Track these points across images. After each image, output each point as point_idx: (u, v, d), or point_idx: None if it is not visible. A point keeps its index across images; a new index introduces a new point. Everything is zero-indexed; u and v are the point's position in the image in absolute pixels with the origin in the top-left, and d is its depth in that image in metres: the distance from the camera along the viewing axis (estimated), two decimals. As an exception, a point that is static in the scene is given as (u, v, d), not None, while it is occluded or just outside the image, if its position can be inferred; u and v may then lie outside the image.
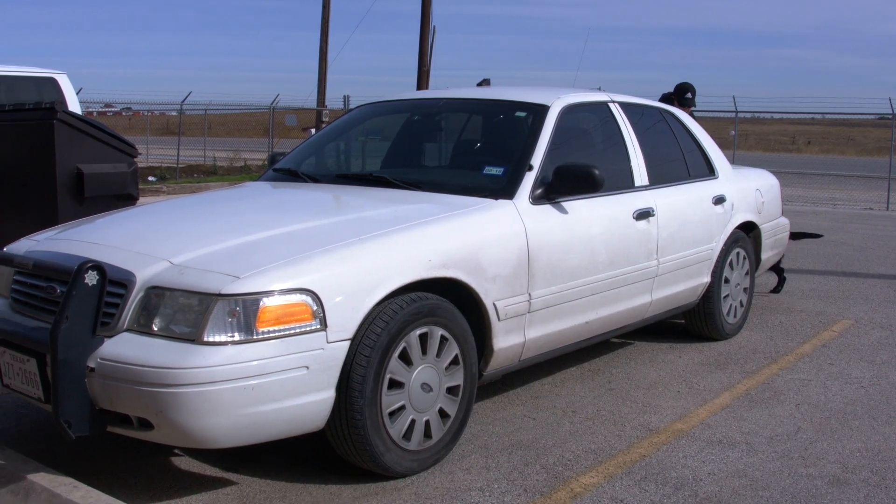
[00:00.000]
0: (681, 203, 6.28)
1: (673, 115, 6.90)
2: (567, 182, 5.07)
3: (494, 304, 4.62)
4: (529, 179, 5.05)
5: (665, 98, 9.76)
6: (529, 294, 4.84)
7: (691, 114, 9.76)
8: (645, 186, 5.96)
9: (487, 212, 4.81)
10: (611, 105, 6.13)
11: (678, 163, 6.61)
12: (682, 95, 9.85)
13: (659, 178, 6.15)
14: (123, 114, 49.03)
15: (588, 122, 6.07)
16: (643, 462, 4.55)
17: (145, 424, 3.74)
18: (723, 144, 8.54)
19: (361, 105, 6.79)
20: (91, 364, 3.71)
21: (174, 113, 30.03)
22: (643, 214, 5.76)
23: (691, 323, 6.94)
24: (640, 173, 5.96)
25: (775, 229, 7.77)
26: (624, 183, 5.83)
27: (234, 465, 4.41)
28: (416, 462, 4.30)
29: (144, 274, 3.89)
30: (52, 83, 13.62)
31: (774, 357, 6.55)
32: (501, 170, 5.17)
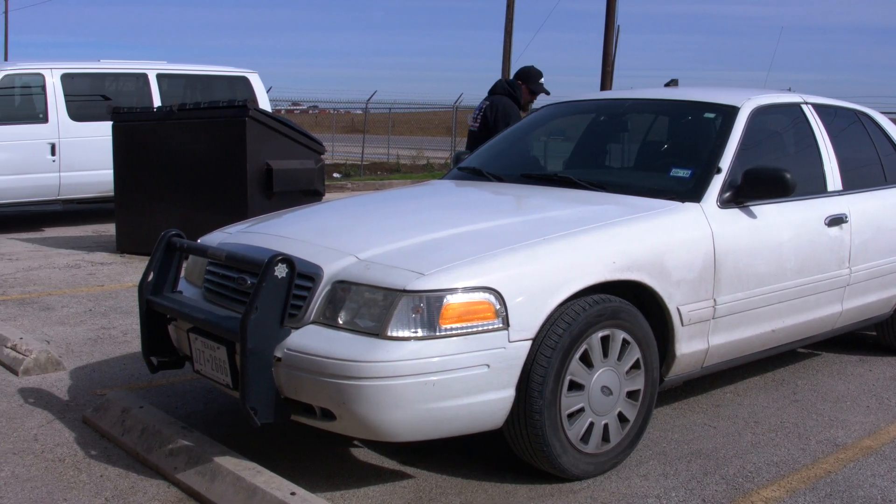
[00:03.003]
0: (876, 209, 6.01)
1: (869, 117, 6.62)
2: (757, 186, 4.93)
3: (678, 309, 4.53)
4: (717, 182, 4.93)
5: (500, 86, 8.68)
6: (714, 300, 4.72)
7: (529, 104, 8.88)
8: (838, 191, 5.74)
9: (674, 214, 4.73)
10: (803, 106, 5.92)
11: (874, 167, 6.34)
12: (534, 80, 8.69)
13: (853, 182, 5.91)
14: (310, 112, 50.47)
15: (779, 124, 5.89)
16: (828, 478, 4.38)
17: (328, 415, 3.84)
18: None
19: (546, 105, 6.78)
20: (278, 354, 3.82)
21: (359, 111, 30.70)
22: (835, 221, 5.55)
23: (884, 335, 6.64)
24: (833, 178, 5.75)
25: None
26: (816, 187, 5.63)
27: (412, 459, 4.47)
28: (593, 465, 4.26)
29: (331, 268, 3.98)
30: (245, 82, 14.16)
31: (974, 374, 6.20)
32: (689, 172, 5.06)
